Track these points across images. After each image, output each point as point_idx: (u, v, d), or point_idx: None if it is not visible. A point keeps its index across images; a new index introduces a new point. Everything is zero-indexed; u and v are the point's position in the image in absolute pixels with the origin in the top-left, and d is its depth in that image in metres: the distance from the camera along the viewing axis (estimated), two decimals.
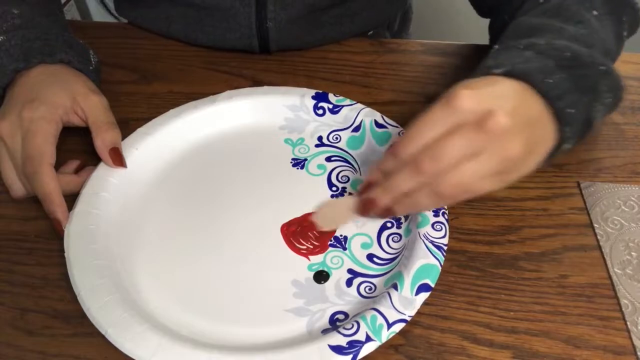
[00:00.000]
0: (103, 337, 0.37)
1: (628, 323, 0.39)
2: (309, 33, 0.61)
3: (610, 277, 0.42)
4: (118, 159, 0.46)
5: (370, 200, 0.39)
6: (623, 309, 0.40)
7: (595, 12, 0.46)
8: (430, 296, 0.40)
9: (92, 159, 0.48)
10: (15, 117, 0.45)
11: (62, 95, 0.47)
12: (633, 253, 0.43)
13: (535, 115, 0.38)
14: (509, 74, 0.39)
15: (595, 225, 0.45)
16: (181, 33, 0.62)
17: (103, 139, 0.46)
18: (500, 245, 0.44)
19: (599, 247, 0.43)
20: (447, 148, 0.35)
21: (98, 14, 1.38)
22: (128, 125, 0.51)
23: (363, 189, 0.40)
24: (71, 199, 0.45)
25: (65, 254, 0.41)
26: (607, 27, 0.47)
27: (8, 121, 0.45)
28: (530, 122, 0.37)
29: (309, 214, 0.45)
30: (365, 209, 0.40)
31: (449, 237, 0.43)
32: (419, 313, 0.39)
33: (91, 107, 0.47)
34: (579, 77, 0.40)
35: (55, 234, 0.43)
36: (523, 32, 0.45)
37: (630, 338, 0.38)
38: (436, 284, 0.41)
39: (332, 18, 0.62)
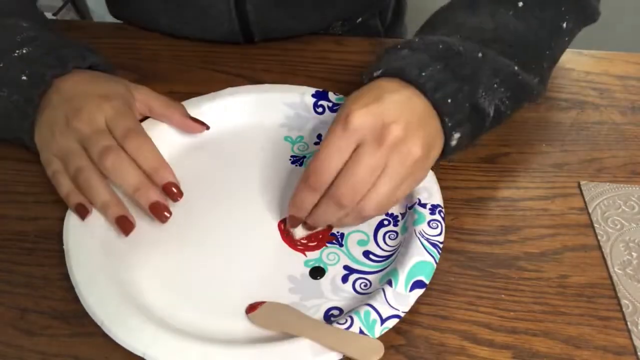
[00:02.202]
0: (103, 337, 0.37)
1: (628, 323, 0.39)
2: (290, 17, 0.61)
3: (610, 277, 0.42)
4: (201, 123, 0.49)
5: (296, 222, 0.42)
6: (623, 309, 0.40)
7: (520, 4, 0.47)
8: (430, 296, 0.40)
9: None
10: (66, 128, 0.44)
11: (118, 87, 0.47)
12: (633, 253, 0.43)
13: (422, 112, 0.40)
14: (386, 74, 0.42)
15: (595, 225, 0.45)
16: (168, 27, 0.62)
17: (181, 113, 0.49)
18: (500, 245, 0.44)
19: (599, 247, 0.43)
20: (359, 175, 0.38)
21: (98, 14, 1.38)
22: None
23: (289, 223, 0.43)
24: None
25: (64, 246, 0.41)
26: (531, 21, 0.47)
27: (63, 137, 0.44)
28: (421, 121, 0.40)
29: None
30: (290, 221, 0.42)
31: (449, 238, 0.43)
32: (419, 313, 0.39)
33: (147, 94, 0.49)
34: (455, 66, 0.42)
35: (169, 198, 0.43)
36: (426, 26, 0.49)
37: (631, 338, 0.38)
38: (436, 284, 0.41)
39: (312, 1, 0.61)
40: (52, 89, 0.46)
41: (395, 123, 0.38)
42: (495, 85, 0.44)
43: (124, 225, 0.42)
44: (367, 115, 0.38)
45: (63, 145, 0.44)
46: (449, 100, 0.41)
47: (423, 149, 0.39)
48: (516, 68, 0.45)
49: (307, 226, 0.43)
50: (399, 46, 0.45)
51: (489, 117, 0.44)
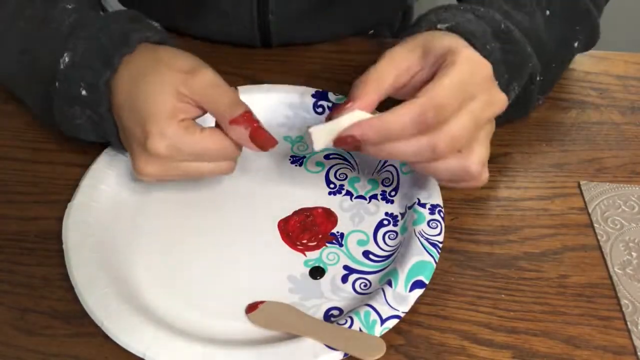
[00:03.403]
0: (103, 337, 0.37)
1: (628, 323, 0.39)
2: (309, 27, 0.61)
3: (610, 277, 0.42)
4: (268, 141, 0.40)
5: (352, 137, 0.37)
6: (623, 309, 0.40)
7: (547, 12, 0.47)
8: (430, 296, 0.40)
9: (93, 157, 0.47)
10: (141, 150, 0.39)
11: (164, 99, 0.39)
12: (633, 253, 0.43)
13: None
14: (453, 30, 0.40)
15: (595, 225, 0.45)
16: (185, 29, 0.62)
17: (237, 133, 0.39)
18: (500, 245, 0.44)
19: (599, 247, 0.43)
20: (470, 127, 0.37)
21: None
22: None
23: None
24: (70, 191, 0.45)
25: (64, 246, 0.41)
26: (554, 30, 0.47)
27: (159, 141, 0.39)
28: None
29: (305, 209, 0.45)
30: (344, 142, 0.38)
31: (449, 238, 0.43)
32: (419, 313, 0.39)
33: (200, 94, 0.39)
34: (508, 52, 0.41)
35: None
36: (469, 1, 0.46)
37: (631, 338, 0.38)
38: (436, 284, 0.41)
39: (333, 14, 0.62)
40: (112, 93, 0.42)
41: (503, 100, 0.38)
42: (524, 84, 0.44)
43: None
44: (489, 69, 0.37)
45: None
46: (496, 82, 0.40)
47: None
48: (539, 78, 0.45)
49: (356, 148, 0.38)
50: (461, 7, 0.43)
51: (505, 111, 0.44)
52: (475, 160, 0.38)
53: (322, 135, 0.39)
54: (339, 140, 0.38)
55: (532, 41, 0.44)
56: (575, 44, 0.50)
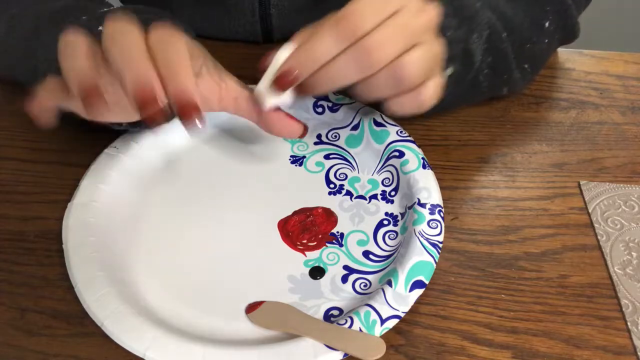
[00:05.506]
0: (103, 337, 0.37)
1: (628, 323, 0.39)
2: (311, 20, 0.61)
3: (610, 277, 0.42)
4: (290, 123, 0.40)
5: (288, 70, 0.37)
6: (623, 309, 0.40)
7: None
8: (430, 296, 0.40)
9: (93, 157, 0.48)
10: None
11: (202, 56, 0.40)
12: (633, 253, 0.43)
13: None
14: None
15: (595, 225, 0.45)
16: (185, 24, 0.62)
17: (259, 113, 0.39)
18: (500, 245, 0.44)
19: (599, 247, 0.43)
20: (400, 32, 0.35)
21: None
22: None
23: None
24: (69, 191, 0.45)
25: (63, 246, 0.41)
26: (520, 8, 0.48)
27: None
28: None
29: (305, 209, 0.45)
30: (282, 81, 0.37)
31: (449, 238, 0.43)
32: (419, 313, 0.39)
33: (233, 87, 0.41)
34: (457, 7, 0.42)
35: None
36: None
37: (631, 338, 0.38)
38: (436, 284, 0.41)
39: (334, 6, 0.62)
40: None
41: (434, 7, 0.36)
42: (484, 38, 0.44)
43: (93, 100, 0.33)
44: None
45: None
46: (448, 34, 0.41)
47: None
48: (504, 35, 0.46)
49: (302, 89, 0.38)
50: None
51: (474, 68, 0.44)
52: (408, 60, 0.36)
53: (267, 91, 0.39)
54: (278, 82, 0.37)
55: (489, 6, 0.45)
56: (547, 24, 0.50)
